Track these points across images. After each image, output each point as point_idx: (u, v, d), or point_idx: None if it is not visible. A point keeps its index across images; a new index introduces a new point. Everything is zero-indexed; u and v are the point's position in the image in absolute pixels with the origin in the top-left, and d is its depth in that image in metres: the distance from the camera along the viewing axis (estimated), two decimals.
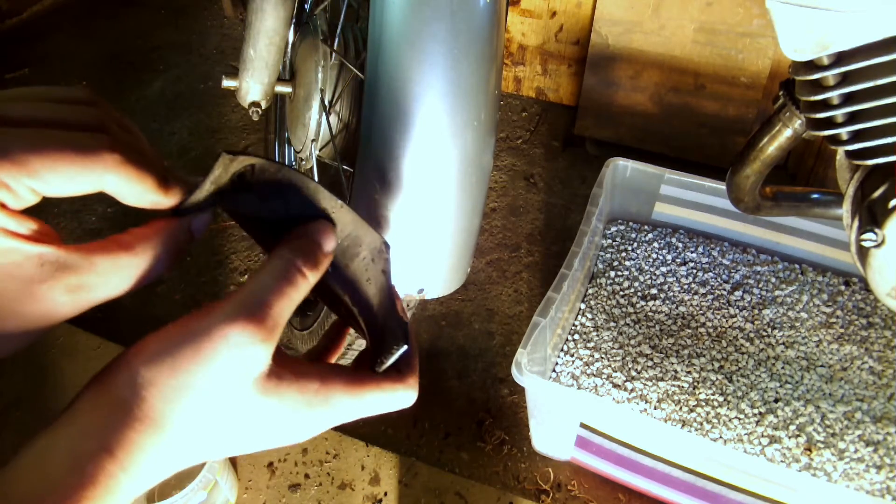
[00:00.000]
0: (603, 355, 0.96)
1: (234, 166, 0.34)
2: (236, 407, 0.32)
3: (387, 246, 0.39)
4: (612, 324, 1.00)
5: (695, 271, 1.06)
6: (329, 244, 0.36)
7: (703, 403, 0.90)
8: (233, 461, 0.94)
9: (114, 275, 0.32)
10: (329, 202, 0.37)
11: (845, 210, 0.53)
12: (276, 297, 0.32)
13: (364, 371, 0.37)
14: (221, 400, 0.31)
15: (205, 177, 0.34)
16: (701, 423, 0.88)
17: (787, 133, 0.60)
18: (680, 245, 1.10)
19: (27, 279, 0.30)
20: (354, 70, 0.71)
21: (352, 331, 0.44)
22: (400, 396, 0.37)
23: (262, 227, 0.38)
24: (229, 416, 0.32)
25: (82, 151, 0.30)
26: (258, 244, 0.41)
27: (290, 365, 0.34)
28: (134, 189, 0.32)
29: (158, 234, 0.33)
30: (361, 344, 0.75)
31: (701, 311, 1.01)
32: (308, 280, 0.34)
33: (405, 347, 0.37)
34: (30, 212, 0.31)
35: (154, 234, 0.33)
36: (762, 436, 0.86)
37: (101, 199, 0.73)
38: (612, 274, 1.07)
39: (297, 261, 0.34)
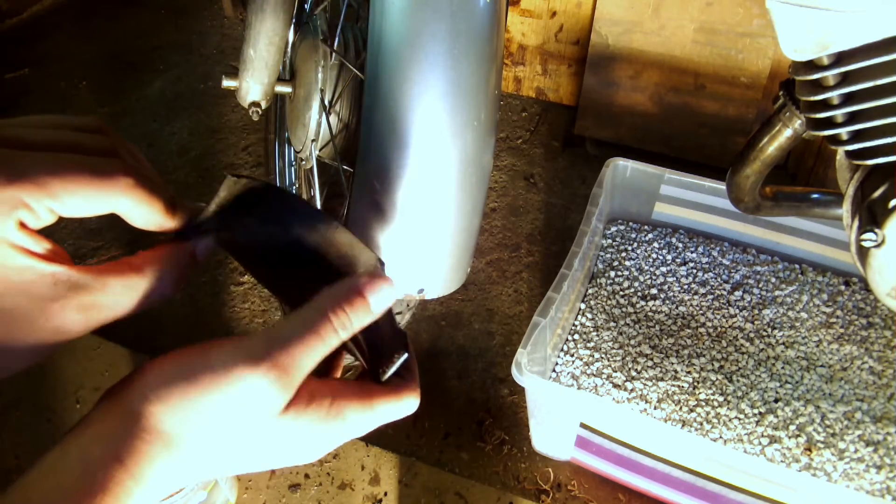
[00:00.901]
0: (603, 355, 0.96)
1: (237, 188, 0.36)
2: (250, 433, 0.32)
3: (382, 263, 0.40)
4: (612, 324, 1.00)
5: (695, 271, 1.06)
6: (379, 302, 0.35)
7: (703, 403, 0.90)
8: None
9: (124, 295, 0.33)
10: (326, 224, 0.38)
11: (845, 210, 0.53)
12: (301, 348, 0.32)
13: (370, 382, 0.38)
14: (234, 427, 0.32)
15: (209, 201, 0.36)
16: (701, 423, 0.88)
17: (787, 133, 0.60)
18: (680, 245, 1.10)
19: (40, 297, 0.31)
20: (354, 70, 0.71)
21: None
22: (406, 402, 0.38)
23: (264, 261, 0.39)
24: (243, 439, 0.32)
25: (99, 175, 0.31)
26: (261, 283, 0.42)
27: (303, 387, 0.33)
28: (144, 211, 0.34)
29: (165, 256, 0.35)
30: None
31: (701, 311, 1.01)
32: (339, 335, 0.33)
33: (405, 355, 0.38)
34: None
35: (161, 256, 0.35)
36: (762, 436, 0.86)
37: None
38: (612, 274, 1.07)
39: (331, 313, 0.33)
